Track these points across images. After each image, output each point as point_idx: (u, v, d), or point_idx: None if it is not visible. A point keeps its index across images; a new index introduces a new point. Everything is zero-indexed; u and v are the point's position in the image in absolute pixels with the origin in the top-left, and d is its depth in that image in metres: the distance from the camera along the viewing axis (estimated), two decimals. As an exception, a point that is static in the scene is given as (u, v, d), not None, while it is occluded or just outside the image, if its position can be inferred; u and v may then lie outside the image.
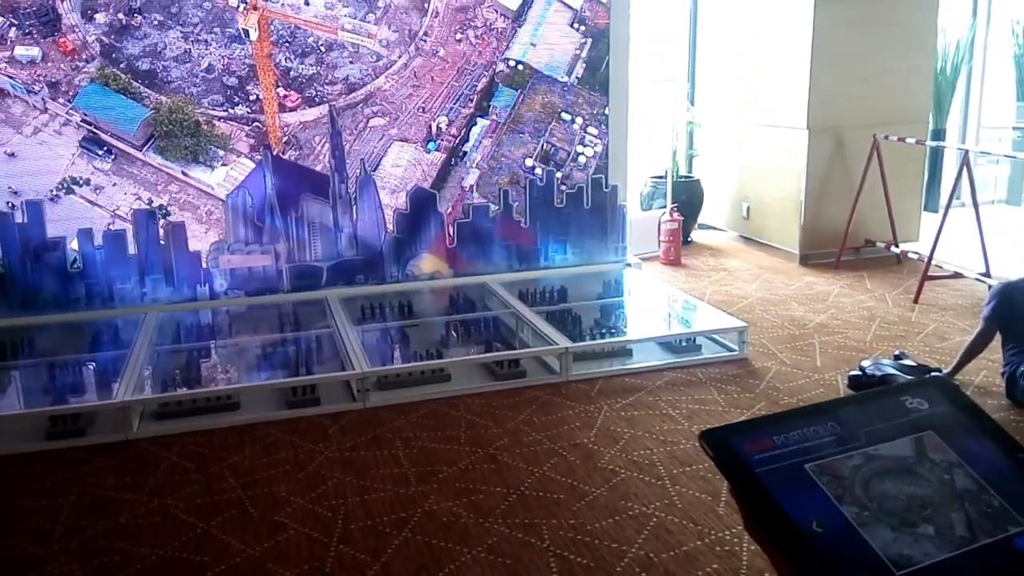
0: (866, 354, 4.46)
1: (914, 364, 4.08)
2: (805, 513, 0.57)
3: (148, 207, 5.11)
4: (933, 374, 3.96)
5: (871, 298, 5.56)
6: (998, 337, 3.99)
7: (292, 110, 5.30)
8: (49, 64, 4.90)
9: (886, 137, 6.07)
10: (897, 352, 4.26)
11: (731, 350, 4.57)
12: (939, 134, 7.92)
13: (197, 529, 3.03)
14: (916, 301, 5.41)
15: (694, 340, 4.66)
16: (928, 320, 5.09)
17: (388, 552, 2.86)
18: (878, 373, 3.96)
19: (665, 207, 6.72)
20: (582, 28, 5.73)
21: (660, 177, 7.06)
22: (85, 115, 4.98)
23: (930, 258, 5.49)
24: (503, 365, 4.31)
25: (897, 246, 6.24)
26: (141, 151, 5.10)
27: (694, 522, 3.00)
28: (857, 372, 4.07)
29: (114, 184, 5.07)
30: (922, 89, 6.53)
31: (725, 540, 2.88)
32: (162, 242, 5.12)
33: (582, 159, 5.87)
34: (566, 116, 5.81)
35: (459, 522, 3.03)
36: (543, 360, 4.47)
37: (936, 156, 8.00)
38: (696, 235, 7.30)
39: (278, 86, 5.24)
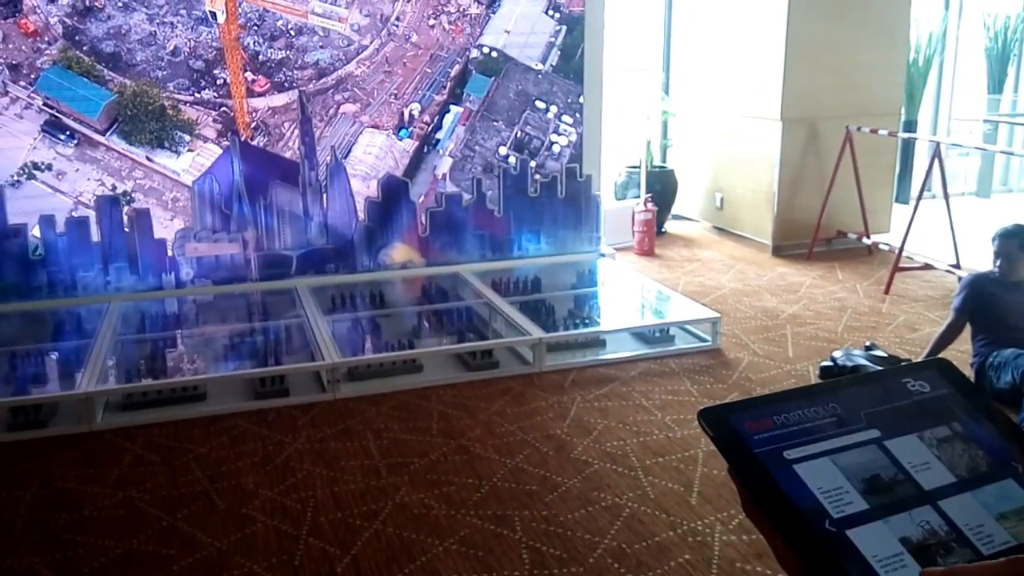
0: (837, 345, 4.48)
1: (885, 355, 4.10)
2: (804, 494, 0.56)
3: (112, 193, 4.99)
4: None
5: (843, 289, 5.59)
6: (968, 328, 4.02)
7: (260, 95, 5.20)
8: (9, 46, 4.76)
9: (859, 128, 6.10)
10: (868, 343, 4.28)
11: (704, 340, 4.57)
12: (911, 126, 7.99)
13: (163, 522, 2.97)
14: (887, 292, 5.45)
15: (667, 331, 4.65)
16: (898, 311, 5.13)
17: (358, 544, 2.82)
18: (849, 364, 3.98)
19: (639, 197, 6.71)
20: (557, 15, 5.68)
21: (634, 167, 7.04)
22: (47, 99, 4.85)
23: (901, 249, 5.53)
24: (476, 356, 4.27)
25: (868, 237, 6.28)
26: (104, 136, 4.98)
27: (667, 512, 2.98)
28: (829, 363, 4.09)
29: (77, 170, 4.95)
30: (895, 81, 6.56)
31: (697, 530, 2.87)
32: (126, 229, 5.01)
33: (556, 148, 5.83)
34: (540, 104, 5.76)
35: (430, 514, 3.00)
36: (516, 351, 4.43)
37: (908, 148, 8.07)
38: (670, 226, 7.30)
39: (246, 70, 5.14)
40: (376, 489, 3.17)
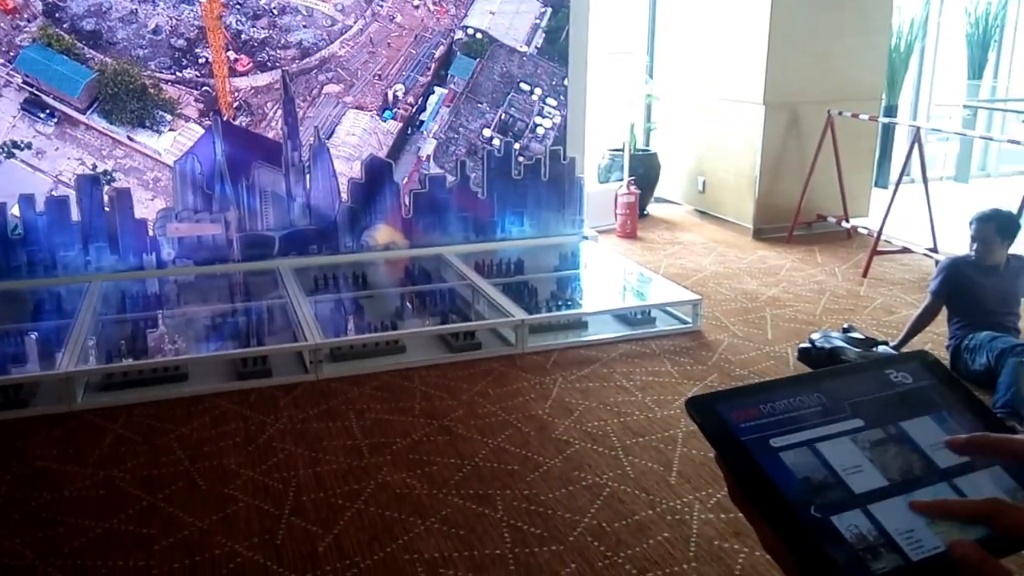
0: (816, 327, 4.53)
1: (862, 337, 4.15)
2: (791, 483, 0.57)
3: (92, 172, 4.95)
4: (881, 347, 4.04)
5: (822, 272, 5.64)
6: (944, 311, 4.08)
7: (243, 75, 5.16)
8: (-14, 22, 4.69)
9: (840, 113, 6.13)
10: (846, 325, 4.33)
11: (685, 322, 4.60)
12: (891, 111, 8.03)
13: (144, 502, 2.98)
14: (865, 275, 5.51)
15: (649, 313, 4.69)
16: (876, 294, 5.19)
17: (340, 524, 2.84)
18: (827, 346, 4.02)
19: (622, 180, 6.72)
20: (541, -3, 5.66)
21: (618, 150, 7.05)
22: (27, 76, 4.79)
23: (879, 233, 5.58)
24: (458, 337, 4.29)
25: (848, 221, 6.33)
26: (85, 115, 4.93)
27: (646, 492, 3.02)
28: (807, 345, 4.13)
29: (57, 148, 4.90)
30: (877, 66, 6.60)
31: (676, 509, 2.91)
32: (107, 209, 4.97)
33: (540, 130, 5.83)
34: (525, 86, 5.75)
35: (412, 493, 3.02)
36: (499, 332, 4.45)
37: (888, 133, 8.12)
38: (652, 208, 7.33)
39: (228, 49, 5.09)
40: (358, 469, 3.19)
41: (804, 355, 4.10)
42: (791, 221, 6.37)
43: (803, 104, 6.32)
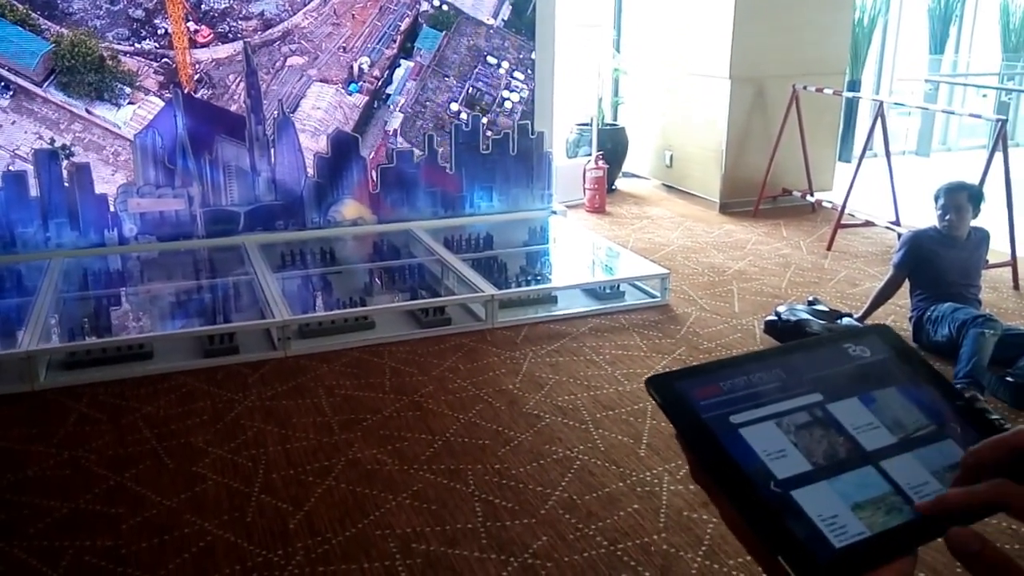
0: (782, 300, 4.58)
1: (827, 309, 4.21)
2: (751, 459, 0.57)
3: (50, 147, 4.83)
4: (846, 319, 4.10)
5: (787, 246, 5.70)
6: (907, 284, 4.15)
7: (204, 46, 5.05)
8: (-65, -10, 4.53)
9: (804, 88, 6.17)
10: (810, 298, 4.38)
11: (653, 296, 4.63)
12: (855, 85, 8.11)
13: (110, 481, 2.94)
14: (829, 248, 5.58)
15: (617, 287, 4.71)
16: (840, 267, 5.26)
17: (311, 501, 2.83)
18: (792, 318, 4.07)
19: (590, 155, 6.72)
20: (508, -31, 5.61)
21: (586, 124, 7.04)
22: (-23, 47, 4.65)
23: (843, 207, 5.65)
24: (428, 313, 4.28)
25: (812, 195, 6.40)
26: (41, 87, 4.80)
27: (616, 464, 3.05)
28: (773, 317, 4.18)
29: (13, 122, 4.77)
30: (841, 41, 6.64)
31: (646, 481, 2.95)
32: (66, 184, 4.86)
33: (508, 104, 5.79)
34: (492, 60, 5.71)
35: (383, 469, 3.02)
36: (468, 307, 4.45)
37: (851, 107, 8.19)
38: (620, 183, 7.34)
39: (188, 20, 4.98)
40: (328, 445, 3.17)
41: (770, 328, 4.15)
42: (757, 195, 6.42)
43: (768, 78, 6.35)
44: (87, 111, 4.89)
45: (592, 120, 6.85)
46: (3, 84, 4.72)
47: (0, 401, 3.50)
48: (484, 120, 5.71)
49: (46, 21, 4.74)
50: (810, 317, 4.05)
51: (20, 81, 4.75)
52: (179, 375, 3.73)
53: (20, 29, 4.69)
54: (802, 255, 5.50)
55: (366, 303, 4.38)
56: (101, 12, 4.83)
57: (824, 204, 6.29)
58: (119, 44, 4.88)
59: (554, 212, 5.92)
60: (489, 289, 4.35)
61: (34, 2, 4.69)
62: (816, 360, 0.65)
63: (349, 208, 5.51)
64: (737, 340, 4.15)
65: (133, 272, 4.89)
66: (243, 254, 4.97)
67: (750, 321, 4.37)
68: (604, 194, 6.62)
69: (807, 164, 6.30)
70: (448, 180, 5.69)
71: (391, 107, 5.51)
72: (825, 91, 6.14)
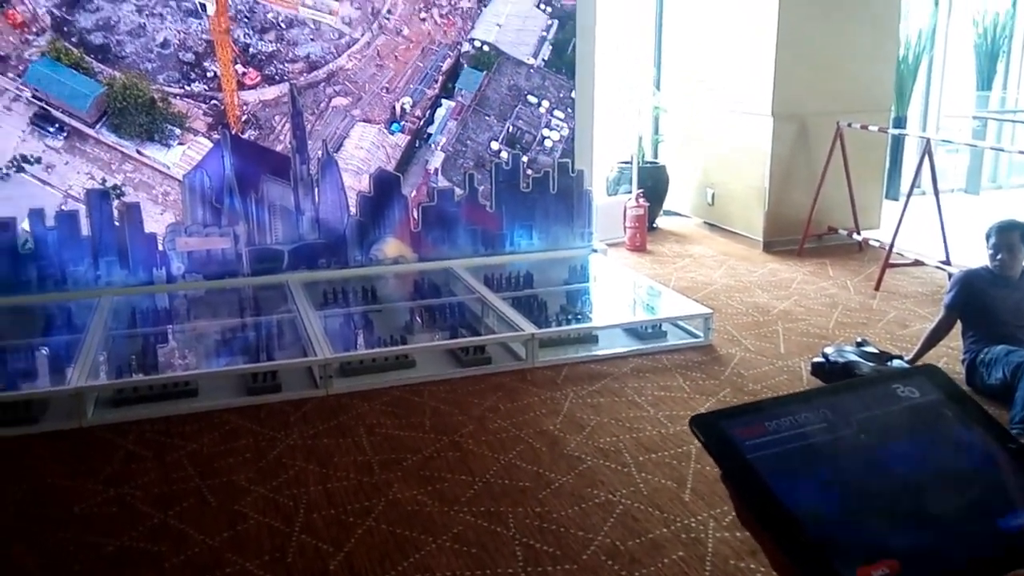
0: (829, 341, 4.50)
1: (876, 351, 4.11)
2: (797, 499, 0.56)
3: (102, 187, 4.95)
4: (896, 361, 4.00)
5: (833, 285, 5.61)
6: (959, 324, 4.04)
7: (251, 88, 5.17)
8: (-3, 37, 4.71)
9: (849, 125, 6.11)
10: (859, 339, 4.29)
11: (696, 336, 4.57)
12: (900, 122, 8.01)
13: (154, 519, 2.96)
14: (877, 288, 5.47)
15: (660, 326, 4.66)
16: (889, 307, 5.15)
17: (351, 542, 2.81)
18: (841, 360, 3.98)
19: (631, 193, 6.71)
20: (548, 9, 5.67)
21: (626, 162, 7.04)
22: (36, 91, 4.80)
23: (891, 246, 5.55)
24: (468, 351, 4.27)
25: (859, 233, 6.30)
26: (94, 129, 4.94)
27: (660, 509, 2.99)
28: (820, 359, 4.10)
29: (66, 163, 4.91)
30: (885, 77, 6.58)
31: (691, 527, 2.88)
32: (116, 223, 4.97)
33: (548, 143, 5.82)
34: (532, 99, 5.75)
35: (424, 511, 2.99)
36: (509, 346, 4.43)
37: (897, 144, 8.10)
38: (661, 221, 7.31)
39: (236, 63, 5.10)
40: (369, 486, 3.16)
41: (818, 370, 4.07)
42: (802, 233, 6.35)
43: (811, 116, 6.30)
44: (138, 152, 5.02)
45: (632, 158, 6.85)
46: (57, 126, 4.86)
47: (48, 437, 3.55)
48: (524, 158, 5.74)
49: (99, 64, 4.88)
50: (859, 359, 3.96)
51: (73, 123, 4.89)
52: (223, 412, 3.76)
53: (74, 72, 4.84)
54: (849, 295, 5.40)
55: (407, 341, 4.38)
56: (152, 55, 4.97)
57: (871, 243, 6.19)
58: (170, 87, 5.02)
59: (594, 250, 5.91)
60: (529, 328, 4.33)
61: (88, 46, 4.84)
62: (864, 401, 0.64)
63: (391, 246, 5.55)
64: (783, 382, 4.07)
65: (180, 310, 4.97)
66: (287, 292, 5.03)
67: (796, 362, 4.28)
68: (645, 232, 6.59)
69: (853, 202, 6.22)
70: (489, 218, 5.71)
71: (432, 146, 5.57)
72: (870, 128, 6.08)
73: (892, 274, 5.64)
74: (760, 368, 4.22)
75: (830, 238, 6.53)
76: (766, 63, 6.20)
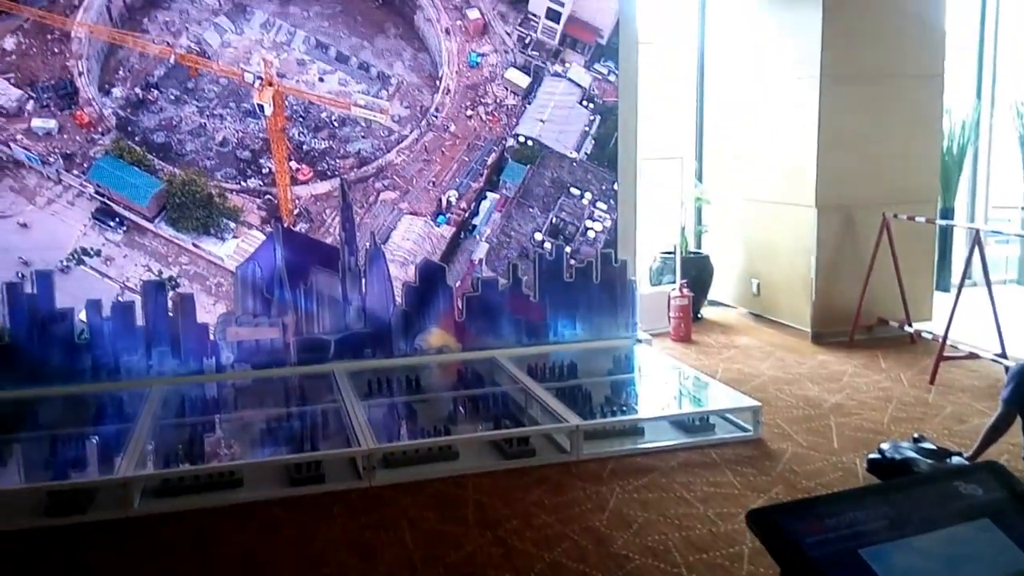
0: (884, 436, 4.36)
1: (934, 447, 3.97)
2: None
3: (158, 279, 5.10)
4: (955, 458, 3.86)
5: (886, 378, 5.47)
6: (1019, 420, 3.90)
7: (304, 183, 5.34)
8: (64, 136, 4.96)
9: (895, 216, 6.08)
10: (916, 435, 4.15)
11: (745, 430, 4.47)
12: (947, 213, 7.95)
13: (195, 614, 2.92)
14: (932, 382, 5.33)
15: (707, 419, 4.57)
16: (945, 402, 5.00)
17: (393, 642, 2.74)
18: (898, 456, 3.85)
19: (675, 283, 6.70)
20: (591, 105, 5.81)
21: (669, 253, 7.06)
22: (98, 186, 5.02)
23: (945, 338, 5.43)
24: (512, 443, 4.22)
25: (910, 325, 6.19)
26: (153, 223, 5.12)
27: (713, 613, 2.88)
28: (876, 455, 3.96)
29: (125, 255, 5.08)
30: (930, 169, 6.57)
31: (746, 633, 2.76)
32: (170, 314, 5.09)
33: (591, 234, 5.88)
34: (575, 191, 5.84)
35: (467, 610, 2.91)
36: (553, 438, 4.38)
37: (945, 235, 8.01)
38: (706, 311, 7.26)
39: (290, 159, 5.29)
40: (412, 582, 3.10)
41: (874, 466, 3.93)
42: (851, 325, 6.24)
43: (857, 207, 6.29)
44: (194, 245, 5.17)
45: (675, 248, 6.87)
46: (118, 220, 5.05)
47: (97, 527, 3.56)
48: (568, 249, 5.79)
49: (160, 162, 5.10)
50: (917, 456, 3.82)
51: (133, 217, 5.08)
52: (266, 504, 3.74)
53: (136, 169, 5.06)
54: (903, 388, 5.26)
55: (450, 432, 4.36)
56: (211, 153, 5.17)
57: (924, 335, 6.06)
58: (227, 182, 5.20)
59: (639, 341, 5.87)
60: (574, 419, 4.28)
61: (150, 144, 5.07)
62: (925, 498, 0.62)
63: (435, 336, 5.58)
64: (838, 479, 3.93)
65: (227, 399, 5.02)
66: (332, 381, 5.06)
67: (851, 458, 4.15)
68: (689, 322, 6.55)
69: (903, 293, 6.12)
70: (532, 308, 5.73)
71: (477, 237, 5.66)
72: (917, 219, 6.03)
73: (947, 367, 5.49)
74: (813, 464, 4.10)
75: (880, 330, 6.42)
76: (808, 155, 6.24)
